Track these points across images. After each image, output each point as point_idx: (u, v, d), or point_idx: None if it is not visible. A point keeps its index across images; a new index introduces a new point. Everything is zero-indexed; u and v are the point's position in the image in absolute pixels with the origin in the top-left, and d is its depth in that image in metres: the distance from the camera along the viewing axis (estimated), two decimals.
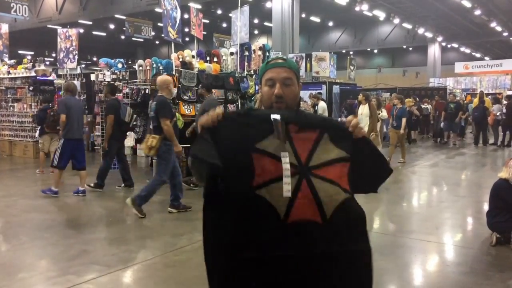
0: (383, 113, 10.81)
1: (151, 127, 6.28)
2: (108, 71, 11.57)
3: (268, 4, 22.20)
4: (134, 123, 7.64)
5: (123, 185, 7.91)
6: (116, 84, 10.01)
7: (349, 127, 1.67)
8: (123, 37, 33.86)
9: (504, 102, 16.73)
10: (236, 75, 10.34)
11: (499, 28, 28.59)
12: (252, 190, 1.51)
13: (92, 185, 7.61)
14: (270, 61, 1.82)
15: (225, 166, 1.52)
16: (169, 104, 6.08)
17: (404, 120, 11.06)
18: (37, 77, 12.03)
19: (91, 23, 29.23)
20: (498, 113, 15.88)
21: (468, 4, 23.29)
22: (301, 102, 12.73)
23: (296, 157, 1.56)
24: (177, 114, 7.77)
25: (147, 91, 10.62)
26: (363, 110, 9.17)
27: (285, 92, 1.71)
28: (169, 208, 6.30)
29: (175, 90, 8.77)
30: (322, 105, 13.11)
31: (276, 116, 1.57)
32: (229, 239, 1.53)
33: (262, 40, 31.66)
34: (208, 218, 1.60)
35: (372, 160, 1.71)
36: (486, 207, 5.33)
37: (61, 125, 7.24)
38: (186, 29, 15.06)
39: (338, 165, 1.61)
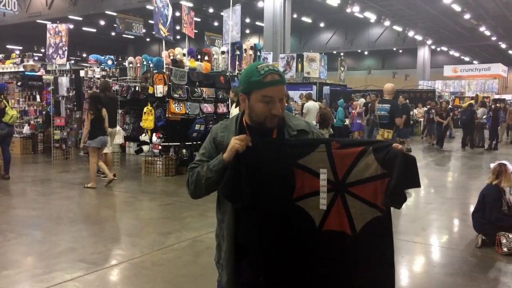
0: None
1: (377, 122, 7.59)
2: (98, 67, 11.48)
3: (260, 4, 22.20)
4: None
5: None
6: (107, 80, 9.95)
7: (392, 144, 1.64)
8: (113, 33, 33.58)
9: (493, 106, 16.91)
10: (227, 74, 10.33)
11: (488, 33, 28.93)
12: (292, 201, 1.67)
13: None
14: (267, 76, 1.72)
15: (267, 180, 1.66)
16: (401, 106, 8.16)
17: None
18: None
19: (81, 19, 28.95)
20: (484, 117, 16.07)
21: (458, 8, 23.50)
22: (290, 102, 12.55)
23: (334, 174, 1.66)
24: None
25: (137, 88, 10.57)
26: (233, 110, 7.90)
27: (281, 108, 1.77)
28: None
29: (165, 88, 8.75)
30: (307, 105, 12.18)
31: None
32: (260, 241, 1.70)
33: (254, 40, 31.64)
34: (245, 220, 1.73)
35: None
36: (472, 209, 5.38)
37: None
38: (178, 27, 15.01)
39: (374, 183, 1.64)
